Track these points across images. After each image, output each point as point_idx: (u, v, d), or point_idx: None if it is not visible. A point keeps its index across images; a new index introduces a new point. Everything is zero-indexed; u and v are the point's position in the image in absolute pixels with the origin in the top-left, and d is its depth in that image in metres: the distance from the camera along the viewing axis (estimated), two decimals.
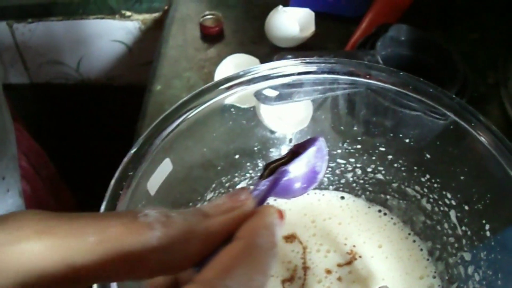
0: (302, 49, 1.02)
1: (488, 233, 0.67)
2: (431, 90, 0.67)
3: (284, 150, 0.79)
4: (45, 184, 1.03)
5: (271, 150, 0.78)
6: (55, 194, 1.07)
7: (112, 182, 0.58)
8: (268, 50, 1.03)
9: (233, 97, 0.68)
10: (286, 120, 0.76)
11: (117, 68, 1.49)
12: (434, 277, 0.76)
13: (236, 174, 0.79)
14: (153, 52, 1.11)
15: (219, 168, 0.76)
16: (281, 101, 0.71)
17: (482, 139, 0.64)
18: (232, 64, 0.91)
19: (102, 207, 0.56)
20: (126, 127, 1.00)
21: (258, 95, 0.70)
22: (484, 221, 0.68)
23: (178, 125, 0.63)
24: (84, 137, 1.66)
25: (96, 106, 1.62)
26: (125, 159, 0.59)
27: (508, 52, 1.03)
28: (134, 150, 0.60)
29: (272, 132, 0.77)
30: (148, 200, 0.62)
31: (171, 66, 1.04)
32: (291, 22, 0.98)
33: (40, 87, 1.60)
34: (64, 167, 1.27)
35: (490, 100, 1.04)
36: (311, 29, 1.01)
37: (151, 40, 1.35)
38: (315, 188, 0.84)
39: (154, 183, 0.62)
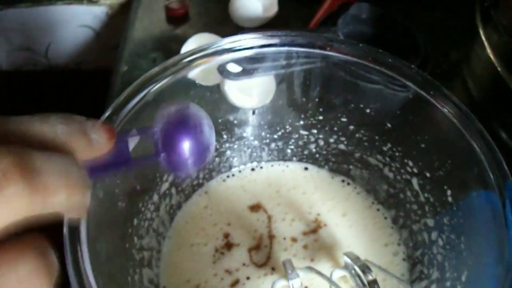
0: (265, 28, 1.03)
1: (450, 199, 0.69)
2: (390, 60, 0.68)
3: (247, 120, 0.81)
4: None
5: (234, 122, 0.79)
6: None
7: None
8: (232, 30, 1.03)
9: (196, 74, 0.69)
10: (250, 95, 0.77)
11: (85, 53, 1.48)
12: (399, 244, 0.78)
13: None
14: (120, 37, 1.11)
15: None
16: (244, 76, 0.72)
17: (442, 108, 0.66)
18: (197, 43, 0.92)
19: None
20: (95, 111, 1.00)
21: (222, 70, 0.71)
22: (445, 187, 0.69)
23: (143, 97, 0.64)
24: None
25: (65, 91, 1.61)
26: None
27: (470, 30, 1.04)
28: (102, 120, 0.61)
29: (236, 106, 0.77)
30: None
31: (137, 47, 1.04)
32: (254, 3, 0.99)
33: (10, 74, 1.58)
34: None
35: (453, 77, 1.05)
36: (274, 9, 1.02)
37: (118, 24, 1.34)
38: (279, 160, 0.86)
39: None
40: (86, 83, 1.53)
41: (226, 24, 1.06)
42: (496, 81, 0.95)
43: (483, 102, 0.99)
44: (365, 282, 0.62)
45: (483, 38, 0.95)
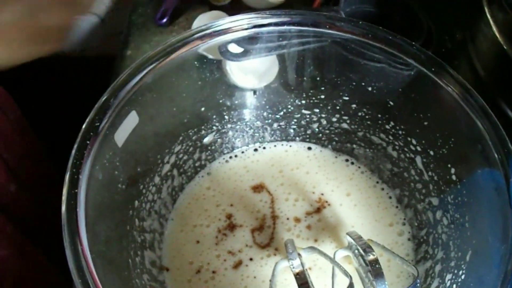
0: None
1: (454, 177, 0.69)
2: (390, 37, 0.68)
3: (249, 101, 0.80)
4: (12, 126, 1.04)
5: (236, 102, 0.79)
6: (20, 135, 1.08)
7: (81, 132, 0.60)
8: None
9: (206, 48, 0.70)
10: (252, 75, 0.77)
11: (90, 40, 1.49)
12: (404, 224, 0.78)
13: (203, 127, 0.80)
14: (124, 22, 1.12)
15: (185, 121, 0.77)
16: (245, 57, 0.72)
17: (445, 85, 0.66)
18: (206, 20, 0.91)
19: (71, 157, 0.58)
20: (99, 97, 1.01)
21: (223, 51, 0.71)
22: (449, 166, 0.69)
23: (141, 78, 0.65)
24: (58, 108, 1.64)
25: (70, 77, 1.62)
26: (93, 111, 0.61)
27: (476, 9, 1.04)
28: (101, 102, 0.62)
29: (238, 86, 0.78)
30: (116, 152, 0.64)
31: (140, 32, 1.05)
32: None
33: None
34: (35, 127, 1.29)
35: (458, 55, 1.05)
36: None
37: (122, 10, 1.35)
38: (282, 140, 0.86)
39: (121, 135, 0.64)
40: (90, 69, 1.53)
41: (235, 7, 1.05)
42: (502, 59, 0.94)
43: (490, 81, 0.99)
44: (367, 262, 0.62)
45: (489, 16, 0.94)
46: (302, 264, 0.62)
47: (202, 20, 0.90)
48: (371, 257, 0.62)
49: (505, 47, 0.92)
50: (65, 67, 1.58)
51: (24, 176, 1.04)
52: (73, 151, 0.59)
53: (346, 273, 0.60)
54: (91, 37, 1.48)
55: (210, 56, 0.72)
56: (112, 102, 0.62)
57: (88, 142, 0.59)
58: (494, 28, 0.94)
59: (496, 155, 0.61)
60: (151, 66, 0.66)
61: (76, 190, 0.56)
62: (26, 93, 1.64)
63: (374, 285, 0.60)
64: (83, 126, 0.60)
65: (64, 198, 0.56)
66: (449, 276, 0.65)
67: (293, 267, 0.62)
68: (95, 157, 0.59)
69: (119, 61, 1.04)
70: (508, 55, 0.91)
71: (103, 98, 0.63)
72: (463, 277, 0.63)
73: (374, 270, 0.60)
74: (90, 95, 0.67)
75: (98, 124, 0.60)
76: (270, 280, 0.67)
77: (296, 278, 0.60)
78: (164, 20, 1.03)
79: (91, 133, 0.60)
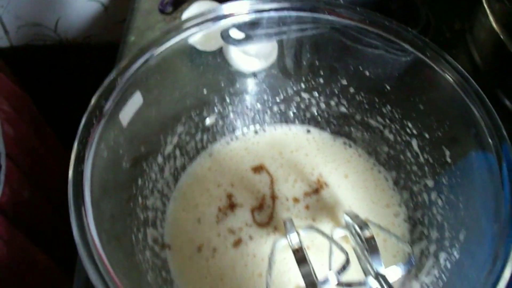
0: None
1: (448, 160, 0.70)
2: (386, 23, 0.70)
3: (250, 84, 0.82)
4: (29, 127, 1.04)
5: (237, 86, 0.81)
6: (39, 136, 1.08)
7: (87, 110, 0.61)
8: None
9: (197, 40, 0.71)
10: (252, 59, 0.78)
11: (93, 27, 1.50)
12: (400, 206, 0.79)
13: (205, 109, 0.81)
14: (128, 9, 1.13)
15: (188, 103, 0.78)
16: (246, 42, 0.74)
17: (441, 71, 0.68)
18: (198, 10, 0.92)
19: (78, 134, 0.60)
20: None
21: (225, 36, 0.72)
22: (444, 148, 0.71)
23: (147, 60, 0.66)
24: (64, 97, 1.65)
25: (74, 64, 1.62)
26: (98, 91, 0.63)
27: (474, 0, 1.05)
28: (108, 81, 0.64)
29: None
30: (121, 131, 0.65)
31: (144, 19, 1.06)
32: None
33: (20, 49, 1.60)
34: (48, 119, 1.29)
35: (456, 45, 1.06)
36: None
37: None
38: (281, 122, 0.87)
39: (126, 115, 0.65)
40: (94, 57, 1.55)
41: None
42: (499, 49, 0.95)
43: (487, 70, 1.00)
44: (364, 239, 0.64)
45: (486, 6, 0.95)
46: (300, 241, 0.63)
47: (191, 11, 0.92)
48: (367, 234, 0.63)
49: (502, 37, 0.92)
50: (69, 54, 1.60)
51: (39, 180, 1.04)
52: (80, 128, 0.60)
53: (342, 250, 0.62)
54: (95, 24, 1.50)
55: (203, 49, 0.74)
56: (119, 82, 0.64)
57: (94, 120, 0.61)
58: (491, 18, 0.95)
59: (489, 139, 0.62)
60: (156, 49, 0.67)
61: (83, 167, 0.57)
62: (32, 80, 1.65)
63: (370, 261, 0.62)
64: (90, 104, 0.62)
65: (70, 174, 0.57)
66: (443, 256, 0.66)
67: (292, 244, 0.64)
68: (100, 136, 0.61)
69: (122, 48, 1.05)
70: (505, 45, 0.92)
71: (110, 77, 0.64)
72: (457, 256, 0.64)
73: (370, 247, 0.62)
74: (95, 83, 0.69)
75: (104, 102, 0.62)
76: (269, 258, 0.68)
77: (294, 254, 0.62)
78: (168, 7, 1.04)
79: (98, 112, 0.61)
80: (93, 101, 0.62)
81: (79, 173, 0.57)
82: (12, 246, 0.88)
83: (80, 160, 0.58)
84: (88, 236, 0.54)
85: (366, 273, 0.64)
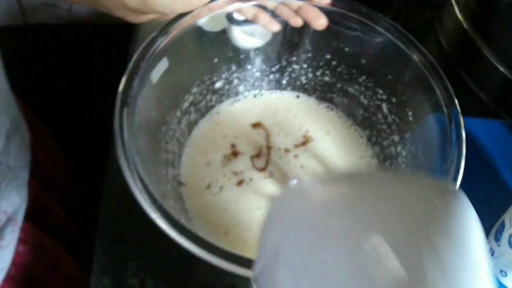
0: None
1: (411, 119, 0.80)
2: (364, 10, 0.80)
3: (251, 56, 0.91)
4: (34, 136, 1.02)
5: (241, 56, 0.90)
6: (42, 145, 1.07)
7: (127, 69, 0.71)
8: None
9: (204, 22, 0.80)
10: (252, 37, 0.87)
11: None
12: (372, 157, 0.89)
13: (215, 74, 0.89)
14: None
15: (201, 68, 0.87)
16: (247, 22, 0.82)
17: (407, 49, 0.78)
18: None
19: (120, 89, 0.69)
20: (116, 63, 0.99)
21: (229, 18, 0.81)
22: (408, 110, 0.81)
23: (171, 32, 0.76)
24: (76, 74, 1.69)
25: (87, 44, 1.65)
26: (135, 54, 0.72)
27: None
28: (142, 47, 0.73)
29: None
30: (151, 87, 0.74)
31: None
32: None
33: (34, 28, 1.62)
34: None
35: (426, 31, 1.16)
36: None
37: None
38: (276, 89, 0.97)
39: (155, 74, 0.75)
40: (107, 37, 1.58)
41: None
42: (463, 35, 1.05)
43: (452, 53, 1.10)
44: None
45: None
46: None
47: None
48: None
49: (465, 26, 1.02)
50: (82, 34, 1.62)
51: (55, 187, 1.06)
52: (123, 80, 0.68)
53: None
54: None
55: (210, 29, 0.82)
56: (151, 48, 0.73)
57: (133, 77, 0.70)
58: (456, 9, 1.05)
59: (443, 104, 0.72)
60: (179, 23, 0.76)
61: (125, 109, 0.66)
62: (42, 61, 1.68)
63: None
64: (130, 62, 0.70)
65: (116, 113, 0.65)
66: None
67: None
68: (138, 89, 0.69)
69: (136, 28, 1.10)
70: (468, 32, 1.02)
71: (144, 45, 0.73)
72: None
73: None
74: (107, 62, 0.71)
75: (140, 63, 0.71)
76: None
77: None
78: None
79: (136, 70, 0.70)
80: (132, 60, 0.71)
81: (122, 112, 0.66)
82: (37, 251, 0.88)
83: (124, 103, 0.67)
84: (128, 153, 0.63)
85: None
